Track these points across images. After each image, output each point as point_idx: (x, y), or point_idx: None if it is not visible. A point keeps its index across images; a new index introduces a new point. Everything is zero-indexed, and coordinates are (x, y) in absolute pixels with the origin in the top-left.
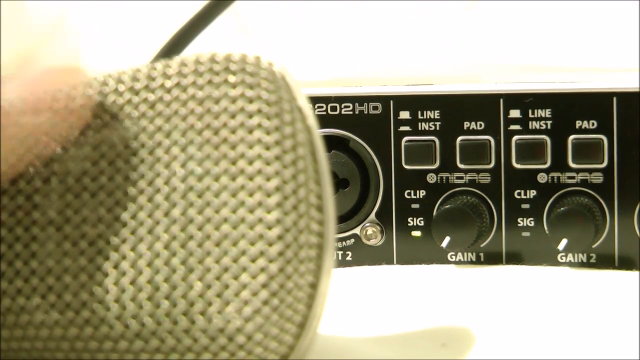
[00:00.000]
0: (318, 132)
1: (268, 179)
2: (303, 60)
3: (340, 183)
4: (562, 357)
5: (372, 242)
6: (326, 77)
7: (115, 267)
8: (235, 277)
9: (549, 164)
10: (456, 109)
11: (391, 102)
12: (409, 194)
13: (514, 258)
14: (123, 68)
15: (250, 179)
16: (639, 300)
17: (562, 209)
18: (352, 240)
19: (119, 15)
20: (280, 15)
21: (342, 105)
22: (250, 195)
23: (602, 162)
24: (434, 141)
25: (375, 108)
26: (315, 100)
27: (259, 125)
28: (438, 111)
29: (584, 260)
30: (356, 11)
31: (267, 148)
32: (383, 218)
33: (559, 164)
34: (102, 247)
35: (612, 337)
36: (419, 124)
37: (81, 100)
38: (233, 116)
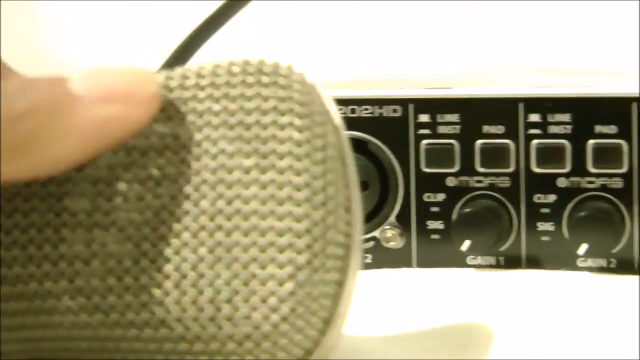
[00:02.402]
0: (346, 137)
1: (298, 174)
2: (321, 61)
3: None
4: (581, 358)
5: (391, 245)
6: (344, 79)
7: (144, 254)
8: (263, 267)
9: (568, 168)
10: (476, 112)
11: (411, 105)
12: (429, 197)
13: (534, 262)
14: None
15: (280, 173)
16: None
17: (581, 213)
18: (372, 242)
19: (132, 16)
20: (295, 17)
21: (362, 108)
22: (280, 188)
23: (621, 167)
24: (453, 144)
25: (394, 111)
26: (335, 102)
27: (291, 124)
28: (458, 114)
29: (604, 265)
30: (374, 11)
31: (298, 145)
32: (402, 221)
33: (579, 168)
34: (131, 234)
35: (633, 342)
36: (439, 127)
37: (150, 91)
38: (265, 114)
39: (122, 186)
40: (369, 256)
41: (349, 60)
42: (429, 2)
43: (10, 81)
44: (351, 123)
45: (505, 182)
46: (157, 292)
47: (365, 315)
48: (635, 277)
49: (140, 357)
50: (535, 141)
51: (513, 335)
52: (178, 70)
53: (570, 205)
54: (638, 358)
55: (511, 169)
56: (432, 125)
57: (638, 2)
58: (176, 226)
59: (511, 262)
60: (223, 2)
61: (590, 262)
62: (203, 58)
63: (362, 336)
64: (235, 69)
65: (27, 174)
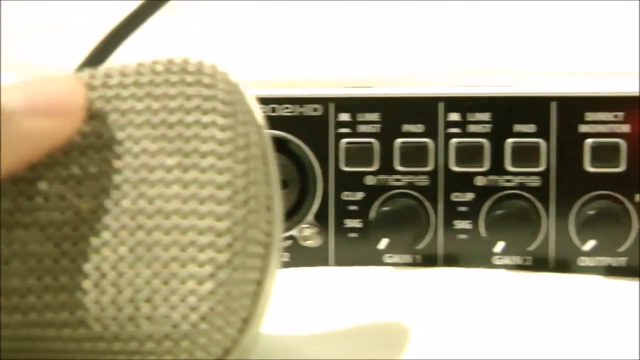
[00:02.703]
0: (269, 136)
1: (220, 173)
2: (242, 60)
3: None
4: (502, 357)
5: (309, 244)
6: (265, 78)
7: (64, 253)
8: (183, 266)
9: (487, 167)
10: (396, 111)
11: (331, 104)
12: (347, 195)
13: (451, 260)
14: (82, 70)
15: (203, 172)
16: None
17: (499, 212)
18: (290, 241)
19: (52, 11)
20: (218, 15)
21: (282, 107)
22: (202, 187)
23: (539, 166)
24: (373, 143)
25: (315, 110)
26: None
27: (214, 122)
28: (378, 114)
29: (520, 262)
30: (295, 11)
31: (221, 144)
32: (321, 219)
33: (497, 167)
34: (52, 233)
35: (547, 339)
36: (359, 126)
37: (79, 103)
38: (188, 112)
39: (43, 185)
40: (288, 255)
41: (269, 59)
42: (351, 2)
43: None
44: (272, 122)
45: (424, 181)
46: (76, 291)
47: (283, 314)
48: (550, 275)
49: (59, 357)
50: (454, 140)
51: (432, 334)
52: (101, 69)
53: (487, 204)
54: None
55: (430, 168)
56: (352, 124)
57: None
58: (97, 225)
59: (429, 260)
60: (143, 0)
61: (506, 260)
62: (126, 57)
63: (281, 335)
64: (159, 68)
65: None
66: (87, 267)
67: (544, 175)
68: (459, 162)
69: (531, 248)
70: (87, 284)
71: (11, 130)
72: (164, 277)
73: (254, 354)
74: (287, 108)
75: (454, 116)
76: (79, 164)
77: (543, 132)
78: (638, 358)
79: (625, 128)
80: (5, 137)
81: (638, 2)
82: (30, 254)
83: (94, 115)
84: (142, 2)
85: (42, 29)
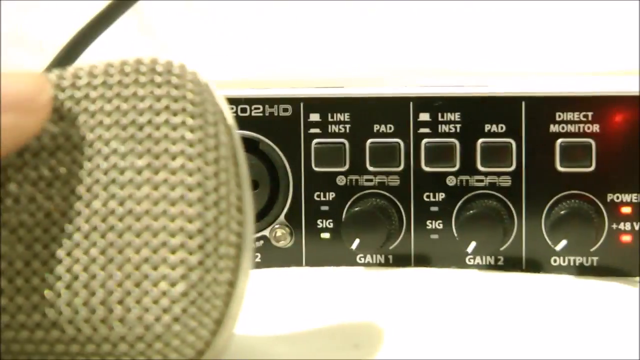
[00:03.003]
0: (239, 136)
1: (190, 174)
2: (212, 61)
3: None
4: (473, 356)
5: (281, 244)
6: (235, 78)
7: (35, 255)
8: (155, 268)
9: (458, 167)
10: (366, 111)
11: (301, 104)
12: (319, 196)
13: (423, 260)
14: (50, 70)
15: (173, 173)
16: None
17: (470, 211)
18: (261, 241)
19: (20, 15)
20: (186, 15)
21: (252, 107)
22: (172, 189)
23: (510, 166)
24: (343, 144)
25: (285, 110)
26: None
27: (183, 123)
28: (348, 114)
29: (492, 262)
30: (266, 11)
31: (190, 145)
32: (292, 220)
33: (468, 167)
34: (22, 235)
35: (517, 338)
36: (329, 126)
37: (44, 98)
38: (157, 113)
39: (13, 187)
40: (259, 255)
41: (240, 59)
42: (321, 2)
43: None
44: (242, 122)
45: (395, 181)
46: (48, 293)
47: (256, 315)
48: (522, 275)
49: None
50: (425, 140)
51: (403, 335)
52: (70, 70)
53: (459, 204)
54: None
55: (401, 168)
56: (322, 124)
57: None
58: (68, 227)
59: (400, 260)
60: (110, 1)
61: (478, 260)
62: (93, 57)
63: (254, 336)
64: (128, 68)
65: None
66: (59, 269)
67: (515, 175)
68: (430, 162)
69: (503, 248)
70: (59, 286)
71: None
72: (135, 278)
73: (226, 355)
74: (257, 108)
75: (425, 116)
76: (49, 166)
77: (513, 132)
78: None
79: (596, 128)
80: None
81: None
82: (1, 257)
83: (63, 117)
84: (109, 2)
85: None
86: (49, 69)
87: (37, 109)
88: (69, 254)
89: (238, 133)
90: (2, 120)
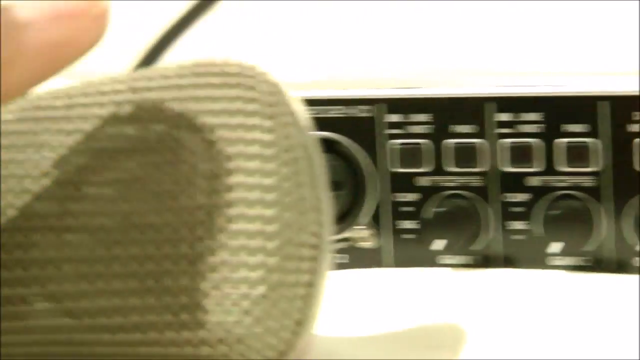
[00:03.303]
0: (314, 137)
1: (266, 176)
2: (292, 61)
3: (330, 186)
4: (555, 358)
5: (364, 245)
6: (316, 79)
7: (115, 258)
8: (234, 271)
9: (539, 167)
10: (447, 112)
11: (381, 104)
12: (402, 197)
13: (507, 261)
14: (123, 71)
15: (249, 175)
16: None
17: (553, 212)
18: (344, 243)
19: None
20: (266, 16)
21: (333, 108)
22: (249, 191)
23: (596, 165)
24: (424, 144)
25: (365, 111)
26: (305, 102)
27: (257, 125)
28: (428, 114)
29: (577, 263)
30: (345, 11)
31: (266, 146)
32: (375, 221)
33: (550, 167)
34: (101, 237)
35: (610, 340)
36: (409, 126)
37: (100, 8)
38: (231, 115)
39: (90, 189)
40: (342, 257)
41: (320, 60)
42: (400, 2)
43: None
44: (322, 123)
45: (477, 182)
46: (129, 296)
47: (338, 316)
48: (609, 275)
49: None
50: (505, 140)
51: (487, 335)
52: (143, 72)
53: (541, 204)
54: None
55: (483, 168)
56: (402, 125)
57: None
58: (147, 230)
59: (484, 261)
60: (192, 2)
61: (562, 261)
62: (173, 58)
63: (335, 337)
64: (201, 70)
65: None
66: (140, 271)
67: (598, 175)
68: (511, 162)
69: (587, 248)
70: (138, 287)
71: (31, 40)
72: (215, 282)
73: (308, 356)
74: (337, 109)
75: (505, 116)
76: (125, 168)
77: (593, 132)
78: None
79: None
80: (26, 48)
81: None
82: (82, 258)
83: (138, 119)
84: (192, 3)
85: None
86: (135, 69)
87: (93, 20)
88: (147, 256)
89: (317, 134)
90: (59, 32)
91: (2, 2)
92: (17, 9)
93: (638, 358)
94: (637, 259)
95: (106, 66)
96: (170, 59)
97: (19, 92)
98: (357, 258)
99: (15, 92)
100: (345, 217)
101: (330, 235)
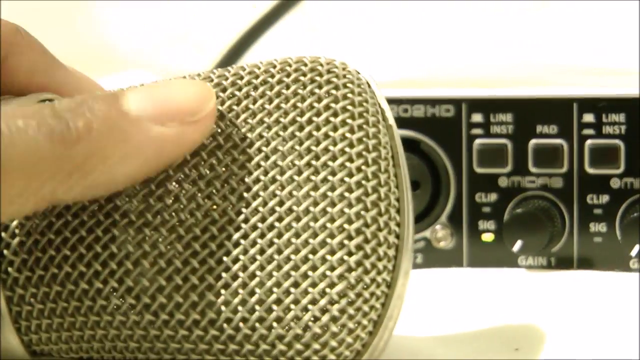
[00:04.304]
0: (399, 137)
1: (350, 175)
2: (374, 60)
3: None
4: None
5: (442, 245)
6: (397, 78)
7: (194, 254)
8: (314, 268)
9: (622, 169)
10: (529, 112)
11: (463, 104)
12: (480, 197)
13: (586, 263)
14: (213, 69)
15: (333, 173)
16: None
17: (635, 215)
18: (423, 242)
19: (188, 14)
20: (349, 15)
21: (414, 107)
22: (332, 189)
23: None
24: (506, 144)
25: (447, 110)
26: (389, 102)
27: (344, 123)
28: (511, 114)
29: None
30: (427, 11)
31: (351, 145)
32: (454, 221)
33: (633, 169)
34: (182, 234)
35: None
36: (492, 127)
37: (208, 108)
38: (318, 113)
39: (173, 186)
40: (420, 256)
41: (402, 59)
42: (482, 2)
43: (64, 101)
44: (403, 122)
45: (558, 183)
46: (207, 293)
47: (416, 316)
48: None
49: (189, 358)
50: (589, 141)
51: (565, 337)
52: (232, 69)
53: (623, 207)
54: None
55: (564, 169)
56: (484, 125)
57: None
58: (227, 227)
59: (563, 262)
60: (276, 1)
61: None
62: (257, 56)
63: (413, 337)
64: (290, 68)
65: (81, 197)
66: (218, 268)
67: None
68: (593, 163)
69: None
70: (217, 285)
71: (140, 137)
72: (294, 278)
73: (384, 356)
74: (419, 109)
75: (589, 117)
76: (209, 165)
77: None
78: None
79: None
80: (134, 143)
81: None
82: (160, 255)
83: (224, 116)
84: (275, 2)
85: (179, 30)
86: (215, 68)
87: (201, 120)
88: (227, 254)
89: (399, 133)
90: (166, 132)
91: (114, 90)
92: (127, 101)
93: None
94: None
95: (189, 63)
96: (252, 59)
97: (121, 186)
98: (434, 258)
99: (118, 186)
100: (423, 216)
101: (411, 236)
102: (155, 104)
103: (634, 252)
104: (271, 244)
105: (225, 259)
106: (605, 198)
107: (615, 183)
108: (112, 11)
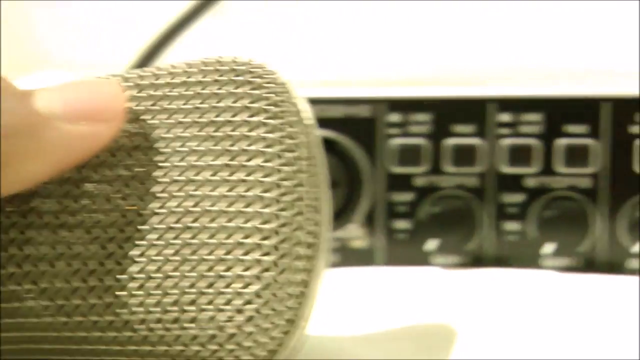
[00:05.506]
0: (318, 137)
1: (267, 175)
2: (291, 61)
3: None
4: (549, 358)
5: (357, 245)
6: (314, 78)
7: (110, 255)
8: (229, 269)
9: (537, 168)
10: (446, 112)
11: (380, 104)
12: (396, 196)
13: (500, 261)
14: (129, 70)
15: (250, 173)
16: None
17: (548, 213)
18: (338, 241)
19: (105, 13)
20: (267, 16)
21: (331, 107)
22: (249, 189)
23: (590, 167)
24: (422, 144)
25: (364, 110)
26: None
27: (262, 123)
28: (428, 114)
29: (569, 264)
30: (347, 11)
31: (268, 145)
32: (369, 220)
33: (548, 168)
34: (98, 235)
35: (598, 340)
36: (408, 126)
37: (119, 107)
38: (236, 113)
39: (89, 187)
40: (336, 255)
41: (319, 59)
42: (400, 2)
43: None
44: (321, 122)
45: (473, 182)
46: (121, 294)
47: (331, 315)
48: (599, 276)
49: (103, 359)
50: (505, 140)
51: (480, 334)
52: (149, 69)
53: (537, 205)
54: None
55: (480, 169)
56: (401, 125)
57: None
58: (143, 227)
59: (477, 261)
60: (194, 1)
61: (555, 262)
62: (174, 57)
63: (327, 336)
64: (208, 68)
65: None
66: (133, 269)
67: (595, 176)
68: (509, 163)
69: (581, 249)
70: (132, 286)
71: (50, 135)
72: (209, 279)
73: (299, 356)
74: (336, 109)
75: (505, 117)
76: (126, 165)
77: (594, 133)
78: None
79: None
80: (44, 142)
81: None
82: (76, 256)
83: (141, 116)
84: (192, 2)
85: (94, 29)
86: (132, 67)
87: (112, 118)
88: (143, 254)
89: (317, 133)
90: (77, 129)
91: (24, 89)
92: (40, 99)
93: (638, 358)
94: (630, 260)
95: (106, 62)
96: (170, 58)
97: (32, 183)
98: (350, 257)
99: (29, 183)
100: (339, 216)
101: (328, 235)
102: (66, 103)
103: (546, 250)
104: (187, 244)
105: (140, 260)
106: (520, 197)
107: (529, 182)
108: (29, 9)
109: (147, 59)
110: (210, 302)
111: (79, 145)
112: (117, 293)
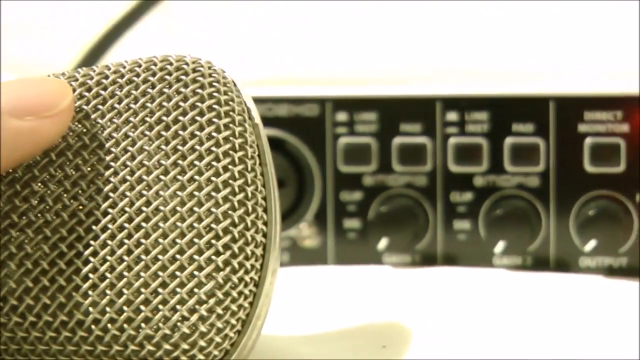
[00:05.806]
0: (265, 135)
1: (218, 174)
2: (236, 60)
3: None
4: (502, 357)
5: (307, 243)
6: (262, 77)
7: (61, 255)
8: (182, 269)
9: (485, 167)
10: (393, 111)
11: (328, 103)
12: (345, 195)
13: (450, 260)
14: (77, 68)
15: (200, 172)
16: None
17: (498, 212)
18: (288, 241)
19: (47, 11)
20: (211, 15)
21: (278, 106)
22: (199, 188)
23: (538, 166)
24: (371, 143)
25: (311, 109)
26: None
27: (210, 122)
28: (375, 113)
29: (520, 263)
30: (291, 10)
31: (218, 144)
32: (319, 219)
33: (496, 167)
34: (48, 235)
35: (546, 338)
36: (356, 125)
37: (64, 104)
38: (185, 112)
39: (38, 187)
40: (286, 254)
41: (265, 58)
42: (347, 1)
43: None
44: (268, 121)
45: (422, 181)
46: (74, 294)
47: (283, 315)
48: (550, 274)
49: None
50: (452, 139)
51: (432, 334)
52: (97, 68)
53: (486, 204)
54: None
55: (428, 168)
56: (349, 123)
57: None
58: (94, 227)
59: (428, 260)
60: (136, 1)
61: (506, 260)
62: (118, 56)
63: (280, 336)
64: (155, 67)
65: None
66: (85, 269)
67: (543, 175)
68: (457, 161)
69: (531, 248)
70: (85, 286)
71: None
72: (162, 279)
73: (252, 355)
74: (283, 107)
75: (452, 116)
76: (74, 165)
77: (542, 132)
78: (638, 358)
79: (625, 128)
80: None
81: (638, 2)
82: (27, 256)
83: (89, 115)
84: (136, 2)
85: (38, 28)
86: (77, 66)
87: (56, 115)
88: (94, 254)
89: (265, 132)
90: (22, 126)
91: None
92: None
93: (638, 358)
94: (582, 259)
95: (49, 61)
96: (114, 57)
97: None
98: (300, 256)
99: None
100: (289, 215)
101: (278, 234)
102: (11, 98)
103: (497, 249)
104: (139, 244)
105: (92, 259)
106: (468, 196)
107: (478, 181)
108: None
109: (91, 58)
110: (163, 302)
111: (25, 140)
112: (70, 293)
